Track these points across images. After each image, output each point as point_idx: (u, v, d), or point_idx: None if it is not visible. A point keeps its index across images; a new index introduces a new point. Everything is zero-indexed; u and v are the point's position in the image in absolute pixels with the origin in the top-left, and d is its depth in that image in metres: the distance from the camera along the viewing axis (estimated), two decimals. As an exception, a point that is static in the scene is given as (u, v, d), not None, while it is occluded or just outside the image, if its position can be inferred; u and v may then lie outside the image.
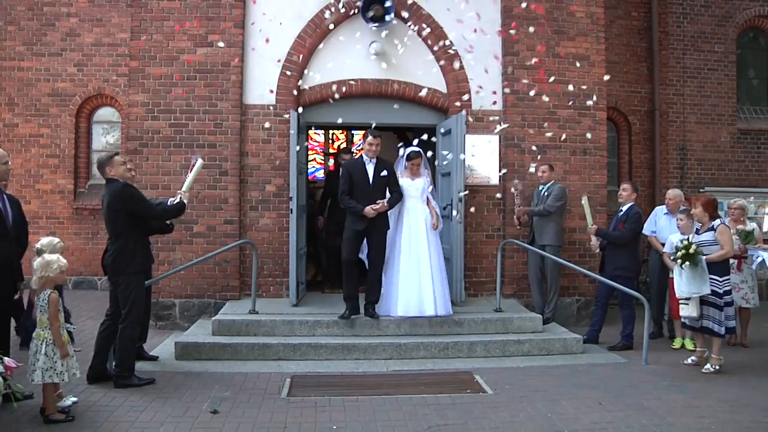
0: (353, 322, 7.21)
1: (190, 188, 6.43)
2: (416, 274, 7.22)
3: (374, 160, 7.32)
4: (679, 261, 6.48)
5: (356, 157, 8.81)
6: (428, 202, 7.62)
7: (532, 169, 8.50)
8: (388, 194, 7.30)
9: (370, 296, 7.35)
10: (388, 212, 7.32)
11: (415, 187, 7.55)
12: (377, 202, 7.08)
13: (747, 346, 7.64)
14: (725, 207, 8.80)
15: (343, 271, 7.30)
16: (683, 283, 6.49)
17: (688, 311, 6.60)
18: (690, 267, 6.39)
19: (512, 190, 8.56)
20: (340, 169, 8.56)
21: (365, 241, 7.32)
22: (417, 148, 7.77)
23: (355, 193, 7.22)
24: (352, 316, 7.21)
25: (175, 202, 6.18)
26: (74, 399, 5.20)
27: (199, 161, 6.58)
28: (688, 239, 6.63)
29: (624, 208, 7.80)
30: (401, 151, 8.02)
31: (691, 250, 6.37)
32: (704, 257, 6.40)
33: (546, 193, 8.28)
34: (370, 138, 7.38)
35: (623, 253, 7.65)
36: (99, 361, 5.86)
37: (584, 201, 7.81)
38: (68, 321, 5.50)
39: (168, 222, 6.71)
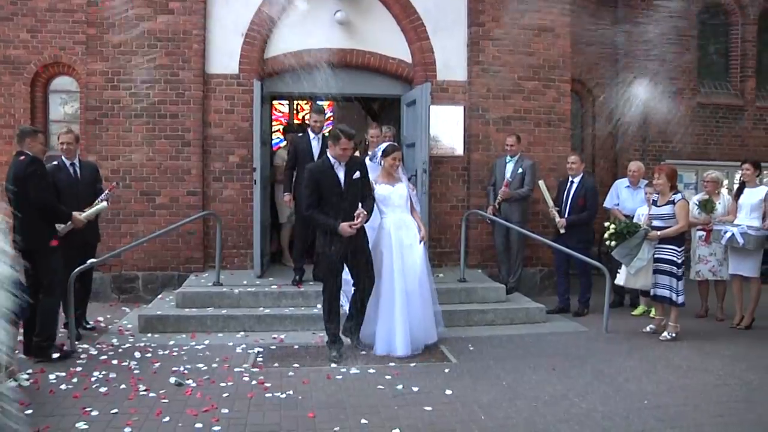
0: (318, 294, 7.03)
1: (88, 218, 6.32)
2: (415, 303, 6.03)
3: (344, 162, 5.98)
4: (607, 242, 6.81)
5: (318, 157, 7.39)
6: (412, 210, 6.43)
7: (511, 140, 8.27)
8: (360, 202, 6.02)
9: (355, 327, 6.14)
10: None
11: (398, 194, 6.24)
12: (355, 217, 5.76)
13: (722, 320, 7.65)
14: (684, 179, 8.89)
15: (326, 308, 5.98)
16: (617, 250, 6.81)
17: (618, 279, 7.21)
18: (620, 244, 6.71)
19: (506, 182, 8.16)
20: (296, 147, 7.93)
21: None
22: (393, 143, 6.64)
23: (324, 205, 5.86)
24: (342, 354, 5.93)
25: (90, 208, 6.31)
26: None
27: (104, 204, 6.49)
28: (614, 220, 7.00)
29: (576, 180, 7.91)
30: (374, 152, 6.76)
31: (613, 229, 6.73)
32: (645, 239, 6.64)
33: (520, 170, 8.17)
34: (343, 140, 5.82)
35: (581, 226, 7.83)
36: (48, 335, 5.76)
37: (541, 185, 7.90)
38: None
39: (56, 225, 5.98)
